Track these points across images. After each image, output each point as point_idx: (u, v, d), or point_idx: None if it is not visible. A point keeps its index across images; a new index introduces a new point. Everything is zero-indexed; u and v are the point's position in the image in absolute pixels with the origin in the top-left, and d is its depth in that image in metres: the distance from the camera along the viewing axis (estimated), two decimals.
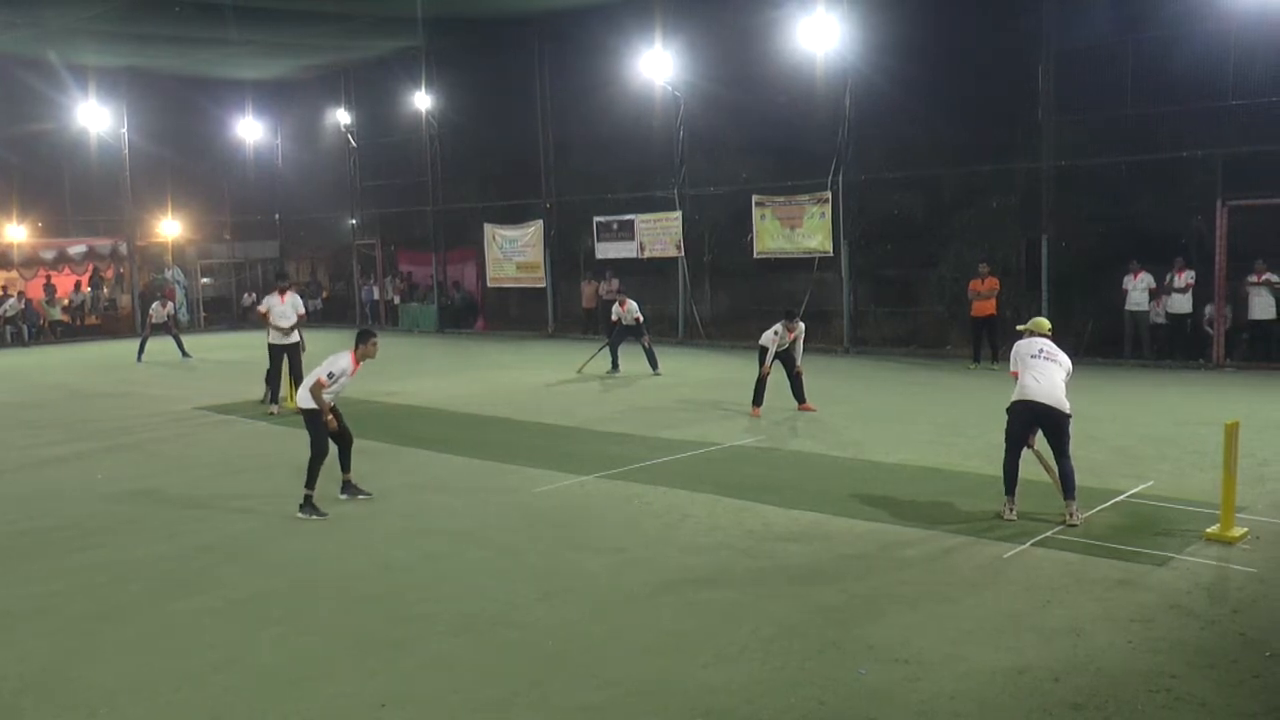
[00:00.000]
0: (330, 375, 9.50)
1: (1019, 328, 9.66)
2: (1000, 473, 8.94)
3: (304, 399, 9.67)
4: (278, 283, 15.97)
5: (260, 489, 10.70)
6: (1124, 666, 5.81)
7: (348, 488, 10.11)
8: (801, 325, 14.41)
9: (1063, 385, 8.73)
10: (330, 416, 9.55)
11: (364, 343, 9.74)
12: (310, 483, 9.51)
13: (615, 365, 19.10)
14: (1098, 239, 19.34)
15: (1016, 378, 8.91)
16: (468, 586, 7.55)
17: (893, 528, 8.64)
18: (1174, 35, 17.56)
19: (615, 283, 25.68)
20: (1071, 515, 8.54)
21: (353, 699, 5.73)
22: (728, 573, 7.64)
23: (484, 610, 7.02)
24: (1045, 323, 9.38)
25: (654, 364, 18.93)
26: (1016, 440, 8.85)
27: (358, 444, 10.28)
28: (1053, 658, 5.94)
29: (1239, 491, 8.26)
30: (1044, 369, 8.76)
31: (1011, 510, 8.77)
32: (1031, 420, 8.79)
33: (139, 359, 23.27)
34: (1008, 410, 8.90)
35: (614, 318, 19.23)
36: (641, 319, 19.02)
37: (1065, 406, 8.65)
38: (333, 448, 9.78)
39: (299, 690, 5.86)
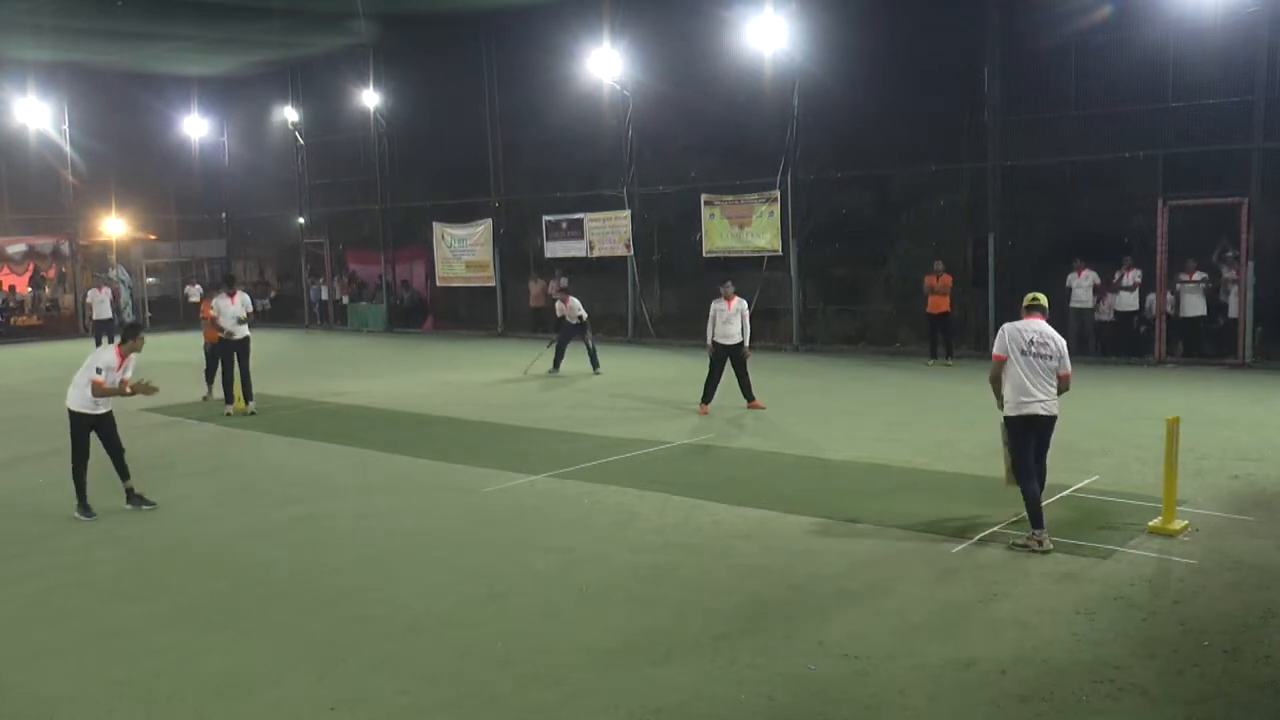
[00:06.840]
0: (98, 370, 9.43)
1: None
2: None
3: (74, 401, 9.59)
4: (226, 286, 15.79)
5: (206, 492, 10.56)
6: (1069, 658, 5.89)
7: (131, 497, 9.95)
8: (741, 301, 14.27)
9: (1054, 386, 7.93)
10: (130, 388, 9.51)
11: (132, 337, 9.78)
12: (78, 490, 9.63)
13: (556, 366, 19.01)
14: (1043, 238, 19.60)
15: (998, 362, 7.97)
16: (418, 587, 7.50)
17: (841, 524, 8.69)
18: (1116, 39, 17.85)
19: (564, 281, 25.57)
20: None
21: (301, 703, 5.67)
22: (677, 570, 7.66)
23: (434, 611, 6.98)
24: (1042, 298, 8.21)
25: (595, 363, 18.91)
26: (1029, 462, 7.93)
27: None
28: (1000, 650, 6.01)
29: (1180, 485, 8.41)
30: (1036, 368, 7.86)
31: (1046, 541, 7.75)
32: (1034, 434, 7.96)
33: None
34: (1006, 425, 8.08)
35: (558, 314, 19.22)
36: (585, 316, 18.98)
37: (1056, 410, 7.94)
38: (105, 457, 9.76)
39: (246, 695, 5.79)
